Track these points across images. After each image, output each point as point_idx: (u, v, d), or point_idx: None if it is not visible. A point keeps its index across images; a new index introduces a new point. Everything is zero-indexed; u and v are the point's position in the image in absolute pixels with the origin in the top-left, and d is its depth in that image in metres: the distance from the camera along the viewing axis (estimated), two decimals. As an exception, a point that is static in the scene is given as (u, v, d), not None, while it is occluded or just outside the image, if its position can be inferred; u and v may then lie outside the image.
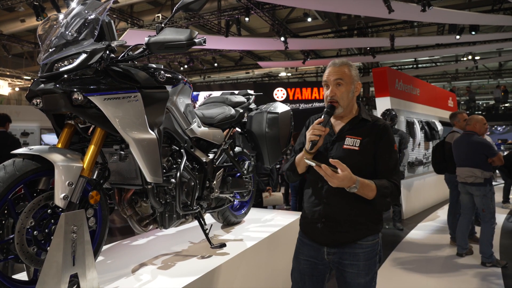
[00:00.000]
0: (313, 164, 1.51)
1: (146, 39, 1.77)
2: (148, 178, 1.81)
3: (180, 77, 2.16)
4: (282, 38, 11.45)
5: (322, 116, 1.68)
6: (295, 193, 6.04)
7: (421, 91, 7.78)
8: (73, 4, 1.83)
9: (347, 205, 1.64)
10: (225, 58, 18.60)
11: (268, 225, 3.03)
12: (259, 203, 5.08)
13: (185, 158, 2.18)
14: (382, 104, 6.49)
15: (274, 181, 5.62)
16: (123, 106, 1.69)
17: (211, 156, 2.49)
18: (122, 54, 1.87)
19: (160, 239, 2.65)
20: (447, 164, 4.76)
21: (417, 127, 7.07)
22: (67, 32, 1.69)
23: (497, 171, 7.66)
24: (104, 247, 2.37)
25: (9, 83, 17.32)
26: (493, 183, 4.23)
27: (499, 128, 24.66)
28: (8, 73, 16.34)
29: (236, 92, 3.06)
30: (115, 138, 1.80)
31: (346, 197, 1.60)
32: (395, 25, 11.99)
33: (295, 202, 6.01)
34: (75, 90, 1.57)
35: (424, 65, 19.48)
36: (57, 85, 1.58)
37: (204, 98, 3.07)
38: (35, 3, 9.14)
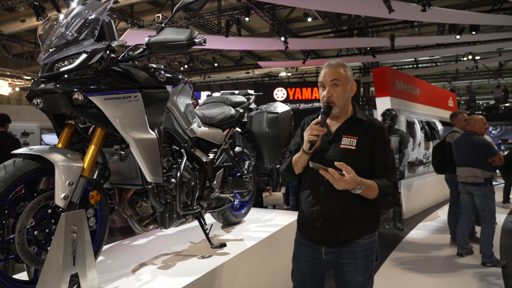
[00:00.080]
0: (318, 168, 1.52)
1: (146, 39, 1.77)
2: (149, 178, 1.81)
3: (180, 77, 2.16)
4: (282, 38, 11.46)
5: (319, 117, 1.69)
6: (294, 193, 6.04)
7: (421, 91, 7.78)
8: (73, 4, 1.83)
9: (344, 204, 1.65)
10: (225, 58, 18.60)
11: (268, 225, 3.03)
12: (259, 203, 5.08)
13: (185, 158, 2.18)
14: (382, 104, 6.48)
15: (274, 181, 5.62)
16: (124, 106, 1.69)
17: (211, 156, 2.50)
18: (122, 54, 1.87)
19: (160, 239, 2.65)
20: (447, 164, 4.76)
21: (417, 127, 7.07)
22: (67, 32, 1.69)
23: (497, 171, 7.66)
24: (105, 247, 2.37)
25: (9, 83, 17.33)
26: (494, 183, 4.22)
27: (493, 132, 23.78)
28: (8, 73, 16.34)
29: (236, 92, 3.07)
30: (115, 138, 1.80)
31: (343, 197, 1.62)
32: (395, 25, 11.99)
33: (295, 202, 6.01)
34: (75, 90, 1.57)
35: (424, 65, 19.47)
36: (58, 85, 1.58)
37: (207, 96, 3.09)
38: (35, 3, 9.14)
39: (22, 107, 13.41)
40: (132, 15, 12.00)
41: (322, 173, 1.53)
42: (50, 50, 1.67)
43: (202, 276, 1.92)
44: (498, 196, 6.65)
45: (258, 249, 2.53)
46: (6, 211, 1.49)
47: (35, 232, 1.52)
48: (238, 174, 2.86)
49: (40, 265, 1.50)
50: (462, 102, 19.02)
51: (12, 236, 1.49)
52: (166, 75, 1.96)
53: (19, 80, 17.37)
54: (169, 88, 2.00)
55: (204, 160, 2.38)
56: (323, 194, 1.68)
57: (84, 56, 1.63)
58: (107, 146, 1.85)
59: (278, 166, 6.04)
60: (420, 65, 19.31)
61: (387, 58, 16.28)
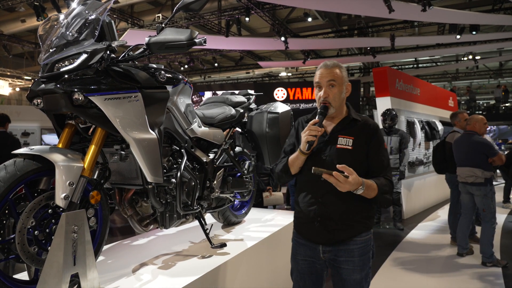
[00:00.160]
0: (321, 173, 1.53)
1: (147, 39, 1.78)
2: (149, 178, 1.81)
3: (180, 77, 2.16)
4: (283, 38, 11.46)
5: (317, 117, 1.70)
6: (293, 192, 6.04)
7: (421, 91, 7.78)
8: (73, 5, 1.83)
9: (341, 203, 1.67)
10: (225, 58, 18.61)
11: (269, 225, 3.03)
12: (259, 203, 5.09)
13: (185, 158, 2.18)
14: (383, 104, 6.48)
15: (274, 181, 5.62)
16: (124, 106, 1.69)
17: (211, 156, 2.50)
18: (123, 54, 1.87)
19: (161, 239, 2.65)
20: (447, 164, 4.75)
21: (418, 127, 7.07)
22: (67, 33, 1.69)
23: (497, 171, 7.65)
24: (105, 247, 2.37)
25: (9, 83, 17.34)
26: (494, 183, 4.22)
27: (490, 134, 22.77)
28: (8, 73, 16.35)
29: (237, 92, 3.07)
30: (115, 138, 1.80)
31: (340, 196, 1.63)
32: (396, 24, 11.99)
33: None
34: (75, 90, 1.58)
35: (424, 65, 19.47)
36: (58, 85, 1.58)
37: (212, 95, 3.11)
38: (36, 3, 9.15)
39: (22, 107, 13.42)
40: (132, 15, 12.00)
41: (325, 178, 1.54)
42: (51, 50, 1.67)
43: (203, 276, 1.92)
44: (499, 196, 6.65)
45: (258, 249, 2.53)
46: (6, 211, 1.50)
47: (36, 232, 1.52)
48: (239, 174, 2.86)
49: (41, 265, 1.50)
50: (463, 102, 19.00)
51: (12, 236, 1.49)
52: (166, 75, 1.96)
53: (20, 80, 17.38)
54: (169, 88, 2.00)
55: (205, 160, 2.38)
56: (321, 194, 1.70)
57: (84, 56, 1.64)
58: (107, 146, 1.85)
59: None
60: (420, 65, 19.30)
61: (387, 58, 16.28)
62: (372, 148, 1.71)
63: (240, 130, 2.94)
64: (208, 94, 14.37)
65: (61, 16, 1.80)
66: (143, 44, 1.82)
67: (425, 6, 8.27)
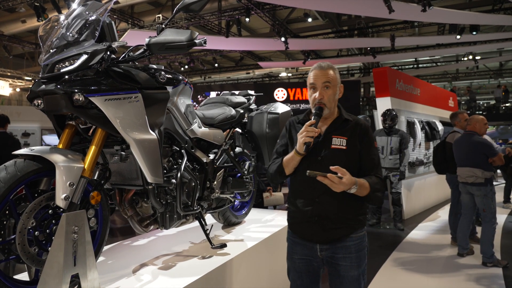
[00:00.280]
0: (315, 175, 1.56)
1: (147, 40, 1.78)
2: (149, 179, 1.82)
3: (180, 77, 2.16)
4: (283, 39, 11.46)
5: (313, 118, 1.72)
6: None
7: (421, 91, 7.78)
8: (74, 5, 1.83)
9: (337, 203, 1.70)
10: (225, 59, 18.61)
11: (269, 225, 3.03)
12: (259, 203, 5.08)
13: (185, 158, 2.19)
14: (383, 104, 6.48)
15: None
16: (124, 106, 1.70)
17: (211, 156, 2.50)
18: (123, 55, 1.87)
19: (161, 240, 2.66)
20: (448, 164, 4.75)
21: (418, 127, 7.07)
22: (68, 33, 1.69)
23: (498, 171, 7.65)
24: (105, 248, 2.37)
25: (10, 84, 17.36)
26: (494, 183, 4.22)
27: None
28: (9, 74, 16.36)
29: (237, 92, 3.07)
30: (116, 138, 1.80)
31: (336, 196, 1.66)
32: (396, 25, 11.99)
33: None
34: (76, 91, 1.58)
35: (424, 65, 19.46)
36: (58, 86, 1.58)
37: (216, 95, 3.11)
38: (36, 4, 9.16)
39: (22, 108, 13.42)
40: (133, 15, 12.01)
41: (320, 179, 1.57)
42: (51, 51, 1.67)
43: (203, 277, 1.93)
44: (499, 196, 6.65)
45: (258, 250, 2.53)
46: (7, 212, 1.50)
47: (36, 232, 1.52)
48: (239, 174, 2.86)
49: (41, 266, 1.50)
50: (463, 102, 18.99)
51: (13, 236, 1.49)
52: (167, 75, 1.97)
53: (20, 80, 17.40)
54: (169, 88, 2.00)
55: (205, 161, 2.38)
56: (317, 194, 1.71)
57: (84, 57, 1.64)
58: (107, 146, 1.85)
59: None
60: (420, 65, 19.30)
61: (387, 58, 16.28)
62: (364, 147, 1.75)
63: (240, 130, 2.95)
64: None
65: (62, 17, 1.81)
66: (143, 45, 1.82)
67: (425, 7, 8.28)
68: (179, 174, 2.09)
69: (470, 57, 15.84)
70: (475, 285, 3.59)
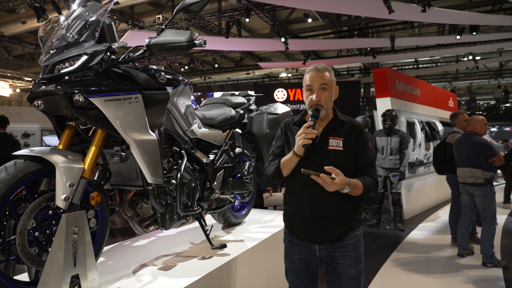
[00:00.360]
0: (309, 174, 1.59)
1: (147, 40, 1.78)
2: (149, 179, 1.82)
3: (180, 78, 2.16)
4: (283, 39, 11.46)
5: (310, 120, 1.72)
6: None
7: (421, 92, 7.78)
8: (74, 6, 1.84)
9: (335, 203, 1.72)
10: (225, 59, 18.61)
11: (269, 225, 3.03)
12: (259, 204, 5.08)
13: (185, 159, 2.19)
14: (383, 104, 6.48)
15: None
16: (124, 107, 1.70)
17: (211, 157, 2.50)
18: (123, 56, 1.87)
19: (161, 240, 2.66)
20: (448, 165, 4.76)
21: (418, 127, 7.07)
22: (68, 34, 1.69)
23: (498, 171, 7.63)
24: (105, 248, 2.37)
25: (10, 85, 17.37)
26: (494, 183, 4.22)
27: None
28: (9, 75, 16.37)
29: (237, 93, 3.07)
30: (116, 139, 1.80)
31: (334, 196, 1.68)
32: (396, 25, 11.99)
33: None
34: (76, 91, 1.58)
35: (424, 65, 19.47)
36: (58, 87, 1.58)
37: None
38: (36, 4, 9.16)
39: (23, 109, 13.42)
40: (133, 16, 12.02)
41: (313, 178, 1.60)
42: (51, 51, 1.68)
43: (203, 277, 1.93)
44: (499, 197, 6.64)
45: (258, 250, 2.53)
46: (7, 213, 1.50)
47: (36, 233, 1.52)
48: (239, 175, 2.86)
49: (41, 266, 1.50)
50: (463, 102, 18.99)
51: (13, 237, 1.49)
52: (167, 76, 1.97)
53: (20, 81, 17.41)
54: (169, 89, 2.00)
55: (205, 161, 2.38)
56: (315, 195, 1.72)
57: (84, 58, 1.64)
58: (107, 147, 1.85)
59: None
60: (420, 66, 19.30)
61: (387, 58, 16.29)
62: (358, 148, 1.78)
63: (240, 131, 2.95)
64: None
65: (62, 18, 1.81)
66: (143, 46, 1.82)
67: (425, 7, 8.28)
68: (179, 175, 2.09)
69: (470, 57, 15.85)
70: (475, 285, 3.59)
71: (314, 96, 1.74)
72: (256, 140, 2.81)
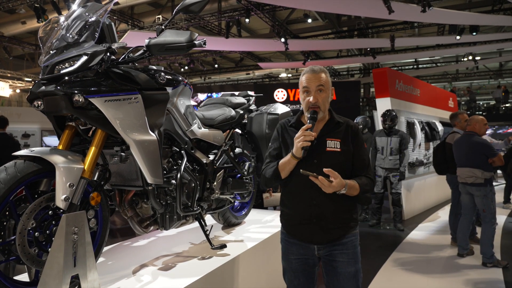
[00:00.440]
0: (308, 175, 1.61)
1: (147, 41, 1.78)
2: (149, 179, 1.82)
3: (180, 78, 2.17)
4: (283, 39, 11.46)
5: (308, 122, 1.73)
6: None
7: (421, 92, 7.78)
8: (74, 7, 1.84)
9: (334, 203, 1.73)
10: (225, 59, 18.61)
11: (269, 226, 3.03)
12: (259, 204, 5.08)
13: (185, 159, 2.19)
14: (383, 104, 6.49)
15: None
16: (124, 107, 1.70)
17: (211, 157, 2.50)
18: (123, 56, 1.88)
19: (161, 240, 2.66)
20: (448, 165, 4.76)
21: (418, 127, 7.07)
22: (68, 35, 1.70)
23: (498, 171, 7.62)
24: (105, 248, 2.38)
25: (10, 85, 17.37)
26: (494, 183, 4.22)
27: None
28: (9, 75, 16.37)
29: (236, 93, 3.07)
30: (115, 139, 1.80)
31: (332, 197, 1.69)
32: (396, 25, 11.99)
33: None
34: (76, 92, 1.58)
35: (424, 65, 19.47)
36: (58, 87, 1.59)
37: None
38: (36, 5, 9.16)
39: (23, 109, 13.43)
40: (133, 16, 12.02)
41: (312, 179, 1.62)
42: (51, 52, 1.68)
43: (203, 277, 1.93)
44: (499, 197, 6.65)
45: (258, 250, 2.54)
46: (7, 213, 1.50)
47: (36, 233, 1.52)
48: (239, 175, 2.86)
49: (41, 267, 1.51)
50: (463, 102, 18.99)
51: (13, 237, 1.49)
52: (166, 77, 1.97)
53: (20, 82, 17.41)
54: (169, 89, 2.00)
55: (204, 161, 2.38)
56: (314, 196, 1.73)
57: (84, 58, 1.64)
58: (107, 147, 1.85)
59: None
60: (420, 66, 19.30)
61: (387, 58, 16.29)
62: (355, 148, 1.79)
63: (240, 131, 2.95)
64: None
65: (62, 18, 1.81)
66: (143, 46, 1.83)
67: (425, 7, 8.28)
68: (179, 175, 2.09)
69: (470, 57, 15.85)
70: (475, 285, 3.59)
71: (311, 98, 1.74)
72: (256, 140, 2.81)
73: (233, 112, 2.74)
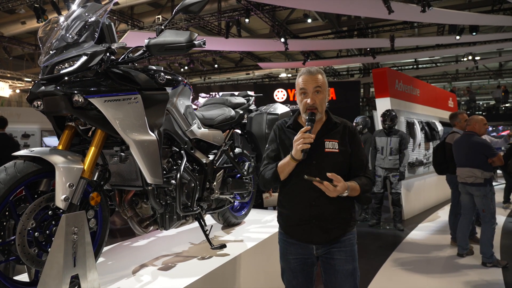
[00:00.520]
0: (312, 180, 1.62)
1: (146, 41, 1.78)
2: (149, 180, 1.82)
3: (180, 78, 2.17)
4: (282, 39, 11.46)
5: (307, 124, 1.73)
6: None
7: (421, 92, 7.78)
8: (73, 7, 1.84)
9: (333, 203, 1.74)
10: (225, 59, 18.61)
11: (269, 226, 3.03)
12: (259, 204, 5.08)
13: (185, 159, 2.19)
14: (382, 105, 6.49)
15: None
16: (124, 108, 1.70)
17: (211, 157, 2.50)
18: (122, 56, 1.88)
19: (161, 240, 2.66)
20: (448, 165, 4.76)
21: (417, 127, 7.07)
22: (67, 35, 1.70)
23: (497, 171, 7.62)
24: (105, 248, 2.38)
25: (10, 85, 17.36)
26: (494, 183, 4.22)
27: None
28: (9, 75, 16.37)
29: (236, 93, 3.07)
30: (115, 139, 1.81)
31: (332, 198, 1.70)
32: (395, 25, 11.99)
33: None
34: (75, 92, 1.58)
35: (424, 65, 19.47)
36: (58, 87, 1.59)
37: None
38: (36, 5, 9.16)
39: (22, 109, 13.43)
40: (132, 16, 12.02)
41: (316, 184, 1.63)
42: (51, 52, 1.68)
43: (203, 277, 1.93)
44: (499, 197, 6.65)
45: (258, 250, 2.54)
46: (7, 213, 1.50)
47: (36, 233, 1.52)
48: (238, 175, 2.86)
49: (41, 267, 1.51)
50: (462, 102, 18.99)
51: (13, 237, 1.50)
52: (166, 77, 1.97)
53: (20, 82, 17.40)
54: (169, 90, 2.01)
55: (204, 162, 2.38)
56: (313, 197, 1.73)
57: (84, 58, 1.65)
58: (107, 147, 1.86)
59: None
60: (420, 66, 19.31)
61: (387, 58, 16.29)
62: (353, 148, 1.80)
63: (239, 131, 2.95)
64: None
65: (61, 18, 1.81)
66: (142, 46, 1.83)
67: (425, 7, 8.28)
68: (178, 175, 2.09)
69: (470, 57, 15.84)
70: (474, 285, 3.59)
71: (309, 100, 1.75)
72: (256, 141, 2.81)
73: (232, 112, 2.74)
